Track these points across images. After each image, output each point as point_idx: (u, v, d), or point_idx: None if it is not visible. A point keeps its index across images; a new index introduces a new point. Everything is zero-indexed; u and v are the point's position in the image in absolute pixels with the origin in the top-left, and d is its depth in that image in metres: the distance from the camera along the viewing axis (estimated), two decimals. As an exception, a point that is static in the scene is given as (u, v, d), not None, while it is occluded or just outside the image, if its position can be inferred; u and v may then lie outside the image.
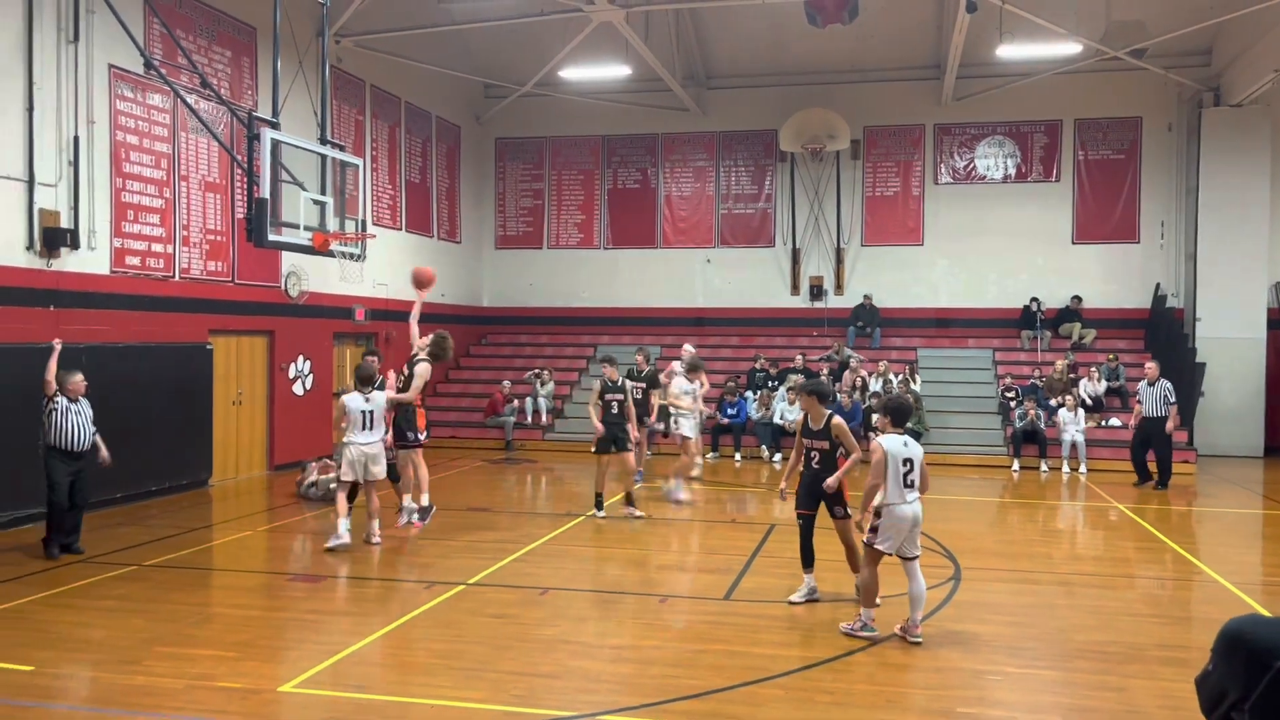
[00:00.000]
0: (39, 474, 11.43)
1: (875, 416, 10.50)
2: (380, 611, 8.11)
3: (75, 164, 12.44)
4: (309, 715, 5.99)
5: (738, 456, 18.71)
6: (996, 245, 21.94)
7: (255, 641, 7.31)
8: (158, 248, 13.89)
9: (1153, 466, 15.48)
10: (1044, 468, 17.30)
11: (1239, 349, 19.60)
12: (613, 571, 10.13)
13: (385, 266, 19.45)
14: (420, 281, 11.65)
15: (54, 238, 12.06)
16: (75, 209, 12.43)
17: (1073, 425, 17.47)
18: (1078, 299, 21.38)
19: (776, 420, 18.55)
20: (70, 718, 5.86)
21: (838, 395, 17.48)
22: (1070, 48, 18.90)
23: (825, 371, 19.97)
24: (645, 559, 10.57)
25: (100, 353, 12.56)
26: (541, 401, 20.61)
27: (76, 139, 12.46)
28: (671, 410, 14.27)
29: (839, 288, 22.67)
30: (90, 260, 12.72)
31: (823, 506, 8.21)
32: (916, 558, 7.34)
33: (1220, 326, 19.68)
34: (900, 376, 19.63)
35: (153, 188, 13.79)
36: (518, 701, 6.12)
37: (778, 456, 18.15)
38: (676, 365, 14.65)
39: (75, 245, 12.41)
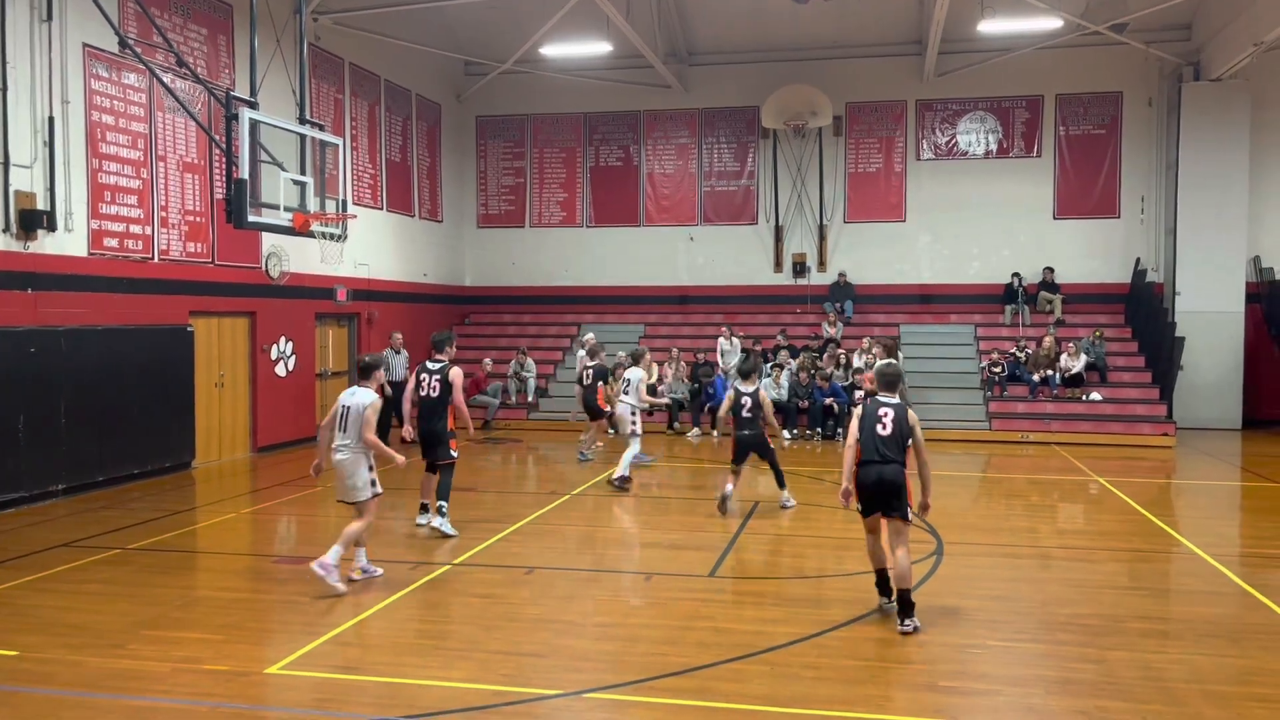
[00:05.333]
0: (19, 459, 11.41)
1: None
2: (366, 592, 8.11)
3: (50, 145, 12.28)
4: (296, 697, 6.00)
5: (715, 434, 18.82)
6: (978, 221, 22.00)
7: (241, 624, 7.30)
8: (136, 229, 13.77)
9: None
10: None
11: (1218, 323, 19.75)
12: (598, 550, 10.17)
13: (367, 247, 19.36)
14: None
15: (30, 220, 11.91)
16: (51, 190, 12.28)
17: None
18: (1050, 270, 21.49)
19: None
20: (56, 702, 5.85)
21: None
22: (1051, 22, 18.90)
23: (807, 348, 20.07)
24: (630, 537, 10.62)
25: (79, 335, 12.47)
26: (530, 381, 20.62)
27: (51, 119, 12.30)
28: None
29: (821, 265, 22.70)
30: (67, 242, 12.59)
31: None
32: None
33: (1199, 300, 19.82)
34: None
35: (130, 168, 13.64)
36: (505, 680, 6.14)
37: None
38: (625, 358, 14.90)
39: (52, 227, 12.27)
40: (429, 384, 9.99)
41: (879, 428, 7.34)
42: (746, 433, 11.17)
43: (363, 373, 8.47)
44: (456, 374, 10.01)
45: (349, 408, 8.27)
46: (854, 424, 7.53)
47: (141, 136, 13.86)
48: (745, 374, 11.41)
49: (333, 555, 7.98)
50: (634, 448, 13.03)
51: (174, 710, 5.74)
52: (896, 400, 7.46)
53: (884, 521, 7.35)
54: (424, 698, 5.91)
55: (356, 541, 8.33)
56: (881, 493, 7.25)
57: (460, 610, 7.70)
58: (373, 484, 8.29)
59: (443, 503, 10.05)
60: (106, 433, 12.84)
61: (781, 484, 11.56)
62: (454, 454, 10.05)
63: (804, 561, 9.39)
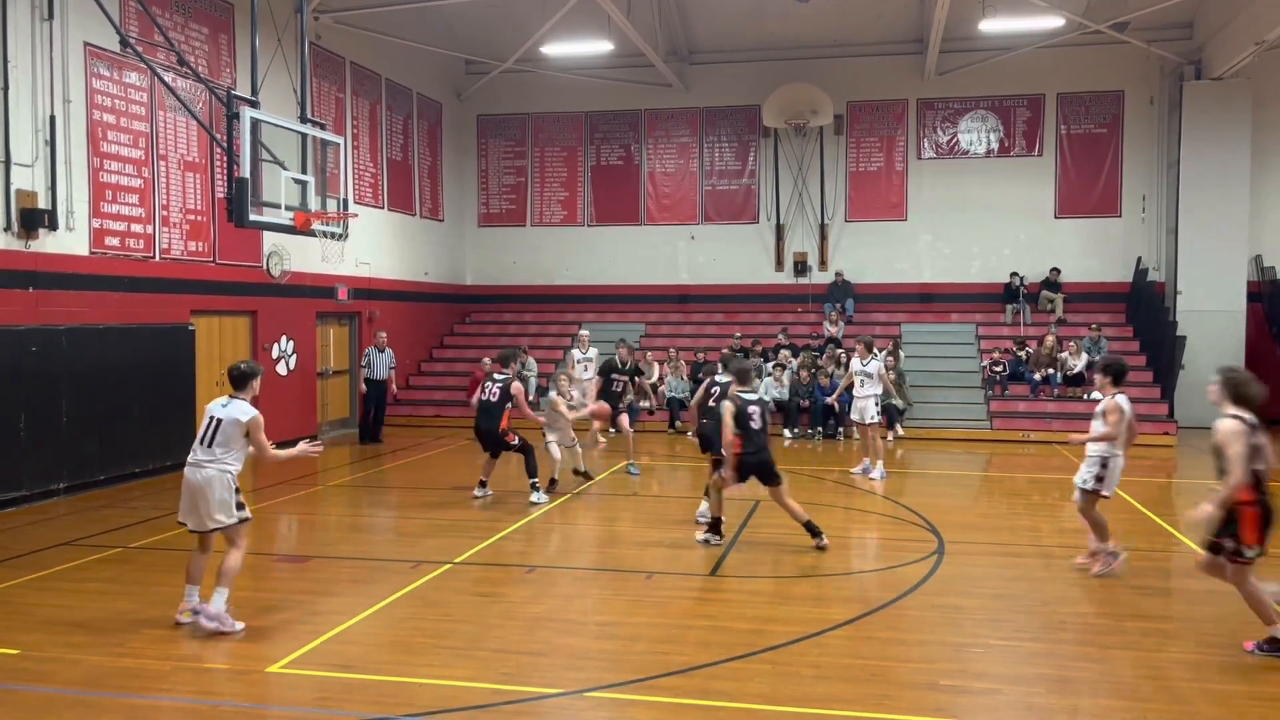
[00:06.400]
0: (20, 458, 11.41)
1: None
2: (367, 591, 8.12)
3: (52, 144, 12.29)
4: (297, 695, 6.00)
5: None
6: (979, 220, 21.99)
7: (242, 622, 7.30)
8: (137, 228, 13.77)
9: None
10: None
11: (1219, 322, 19.74)
12: (598, 548, 10.18)
13: (368, 245, 19.36)
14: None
15: (32, 219, 11.93)
16: (53, 189, 12.29)
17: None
18: (1056, 270, 21.50)
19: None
20: (57, 700, 5.86)
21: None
22: (1053, 21, 18.89)
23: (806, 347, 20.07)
24: (630, 536, 10.62)
25: (81, 334, 12.48)
26: (531, 380, 20.58)
27: (53, 118, 12.30)
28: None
29: (823, 264, 22.70)
30: (69, 241, 12.60)
31: None
32: None
33: (1201, 299, 19.82)
34: (884, 352, 19.69)
35: (131, 167, 13.65)
36: (505, 679, 6.15)
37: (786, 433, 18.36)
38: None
39: (53, 226, 12.28)
40: (490, 390, 11.75)
41: (751, 423, 9.02)
42: (704, 421, 11.02)
43: (237, 382, 7.28)
44: (518, 387, 11.73)
45: (219, 420, 7.11)
46: (729, 419, 9.01)
47: (143, 135, 13.86)
48: (734, 372, 11.69)
49: (219, 601, 7.02)
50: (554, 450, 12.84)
51: (174, 709, 5.74)
52: (756, 396, 9.25)
53: (769, 489, 9.27)
54: (424, 696, 5.91)
55: (191, 579, 7.26)
56: (760, 472, 9.14)
57: (460, 609, 7.70)
58: (240, 507, 7.17)
59: (534, 480, 11.79)
60: (108, 431, 12.84)
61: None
62: (515, 443, 11.74)
63: (804, 560, 9.38)
